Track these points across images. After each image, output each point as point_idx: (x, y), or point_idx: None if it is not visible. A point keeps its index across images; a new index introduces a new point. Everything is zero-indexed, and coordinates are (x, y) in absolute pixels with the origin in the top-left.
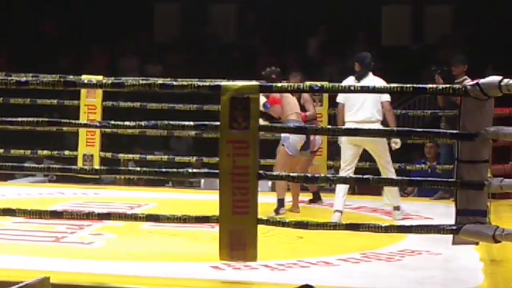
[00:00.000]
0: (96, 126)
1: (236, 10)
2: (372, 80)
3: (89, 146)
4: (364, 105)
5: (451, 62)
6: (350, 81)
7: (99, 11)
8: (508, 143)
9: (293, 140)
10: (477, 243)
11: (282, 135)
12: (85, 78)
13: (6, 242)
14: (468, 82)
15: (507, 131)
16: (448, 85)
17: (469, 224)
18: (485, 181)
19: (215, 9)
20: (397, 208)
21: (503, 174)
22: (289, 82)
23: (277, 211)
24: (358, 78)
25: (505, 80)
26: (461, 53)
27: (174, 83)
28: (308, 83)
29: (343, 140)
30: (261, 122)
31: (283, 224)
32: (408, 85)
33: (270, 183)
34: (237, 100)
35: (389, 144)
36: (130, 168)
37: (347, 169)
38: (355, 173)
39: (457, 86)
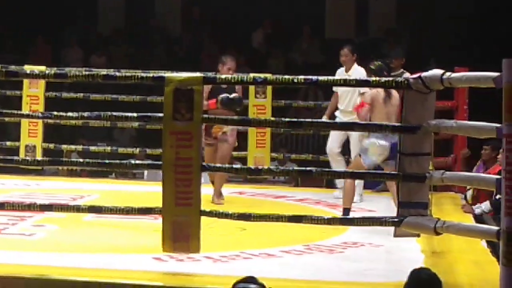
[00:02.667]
0: (38, 117)
1: (181, 3)
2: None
3: (31, 137)
4: None
5: (391, 55)
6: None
7: (43, 2)
8: (449, 136)
9: (372, 154)
10: (418, 235)
11: (363, 143)
12: (27, 68)
13: None
14: (406, 75)
15: (449, 124)
16: (391, 78)
17: (411, 216)
18: (426, 174)
19: (160, 0)
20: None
21: (445, 166)
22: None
23: None
24: None
25: (447, 74)
26: (402, 46)
27: (117, 74)
28: (251, 74)
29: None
30: None
31: (226, 215)
32: (352, 78)
33: None
34: (180, 91)
35: None
36: (73, 159)
37: None
38: (299, 165)
39: (399, 79)
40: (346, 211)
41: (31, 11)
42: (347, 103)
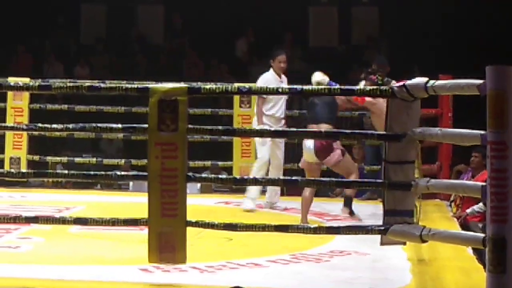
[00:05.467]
0: (23, 129)
1: (163, 11)
2: None
3: (16, 149)
4: None
5: (376, 63)
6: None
7: (24, 11)
8: (434, 144)
9: None
10: (404, 243)
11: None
12: (11, 80)
13: None
14: (393, 83)
15: (433, 132)
16: (375, 87)
17: (397, 224)
18: (412, 182)
19: (142, 9)
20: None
21: (430, 174)
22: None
23: None
24: None
25: (431, 82)
26: (384, 54)
27: (102, 85)
28: (236, 84)
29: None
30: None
31: (212, 226)
32: (336, 86)
33: (199, 185)
34: (165, 102)
35: None
36: (58, 171)
37: None
38: (284, 174)
39: (384, 87)
40: None
41: (13, 21)
42: (282, 109)
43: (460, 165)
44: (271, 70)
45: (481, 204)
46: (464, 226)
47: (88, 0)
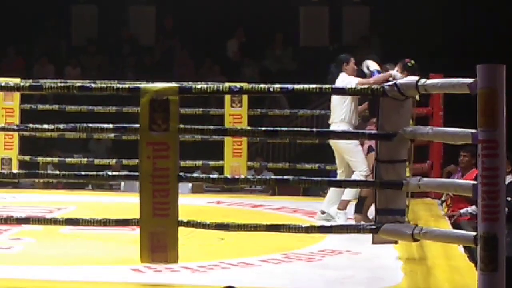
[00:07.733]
0: (14, 130)
1: (154, 12)
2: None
3: (7, 150)
4: None
5: None
6: None
7: (14, 12)
8: (425, 143)
9: None
10: (396, 242)
11: None
12: (2, 80)
13: None
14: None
15: (424, 131)
16: (367, 86)
17: (388, 223)
18: (403, 181)
19: (133, 10)
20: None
21: (421, 173)
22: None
23: None
24: None
25: (422, 80)
26: (376, 53)
27: (93, 85)
28: (227, 84)
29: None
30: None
31: (204, 225)
32: (327, 86)
33: (190, 185)
34: (156, 102)
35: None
36: (49, 171)
37: None
38: (275, 174)
39: (375, 86)
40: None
41: (2, 22)
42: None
43: (450, 166)
44: (344, 73)
45: (474, 206)
46: (456, 225)
47: (79, 1)
